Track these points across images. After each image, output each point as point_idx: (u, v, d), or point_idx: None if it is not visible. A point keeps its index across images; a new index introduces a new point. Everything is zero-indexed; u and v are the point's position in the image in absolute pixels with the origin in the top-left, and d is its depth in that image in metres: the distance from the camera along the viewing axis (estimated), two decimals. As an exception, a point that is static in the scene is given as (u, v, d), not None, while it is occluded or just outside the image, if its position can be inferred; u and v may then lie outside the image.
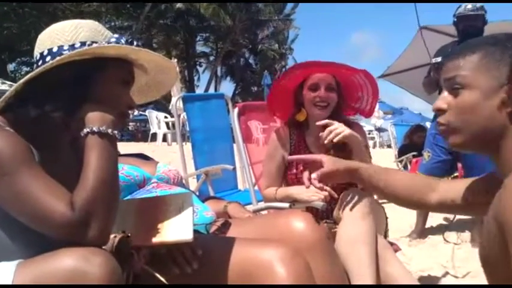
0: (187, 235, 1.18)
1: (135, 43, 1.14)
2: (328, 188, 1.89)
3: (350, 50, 68.55)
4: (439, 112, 1.02)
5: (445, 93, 1.01)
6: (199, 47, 29.98)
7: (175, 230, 1.20)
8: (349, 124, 2.02)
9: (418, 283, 1.84)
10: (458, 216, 3.66)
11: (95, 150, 1.01)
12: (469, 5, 3.45)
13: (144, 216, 1.26)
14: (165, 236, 1.19)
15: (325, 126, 1.94)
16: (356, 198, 1.74)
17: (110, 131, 1.04)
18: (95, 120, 1.04)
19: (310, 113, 2.04)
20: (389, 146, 10.86)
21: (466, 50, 0.99)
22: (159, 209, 1.26)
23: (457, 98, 0.98)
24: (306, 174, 1.50)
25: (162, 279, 1.16)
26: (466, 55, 0.98)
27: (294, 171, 2.06)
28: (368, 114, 2.20)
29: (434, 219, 4.20)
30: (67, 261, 0.90)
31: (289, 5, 29.55)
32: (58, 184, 0.98)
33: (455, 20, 3.49)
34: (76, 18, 1.20)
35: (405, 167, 6.39)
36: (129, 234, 1.11)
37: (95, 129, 1.02)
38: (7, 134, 1.00)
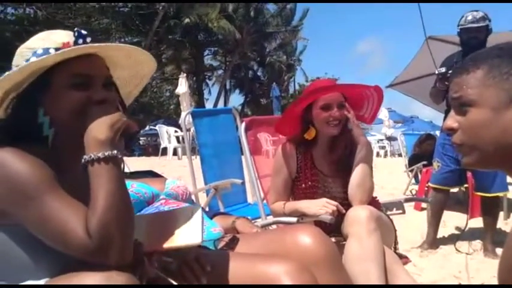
0: (196, 239, 1.21)
1: (88, 39, 1.10)
2: (335, 203, 1.91)
3: (356, 58, 68.53)
4: (450, 132, 0.99)
5: (454, 112, 0.97)
6: (208, 61, 30.26)
7: (185, 235, 1.22)
8: (356, 137, 2.04)
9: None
10: (470, 225, 3.65)
11: (99, 177, 1.01)
12: (470, 16, 3.40)
13: (155, 226, 1.30)
14: (176, 241, 1.22)
15: (333, 141, 2.04)
16: (362, 214, 1.75)
17: (108, 153, 1.02)
18: (90, 146, 1.02)
19: (322, 131, 2.05)
20: (400, 155, 10.80)
21: (470, 65, 0.94)
22: (169, 220, 1.29)
23: (466, 117, 0.94)
24: None
25: (175, 283, 1.18)
26: (470, 71, 0.93)
27: (303, 186, 2.07)
28: (370, 121, 2.21)
29: (446, 229, 4.18)
30: (90, 281, 0.92)
31: (297, 17, 29.72)
32: (80, 207, 0.99)
33: (458, 31, 3.49)
34: None
35: (416, 176, 6.36)
36: (141, 242, 1.14)
37: (93, 156, 1.01)
38: (31, 159, 1.01)
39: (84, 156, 1.01)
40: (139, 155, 13.89)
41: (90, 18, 17.35)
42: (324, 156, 2.08)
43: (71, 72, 1.09)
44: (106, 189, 0.99)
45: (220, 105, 26.41)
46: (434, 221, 3.70)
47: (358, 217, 1.75)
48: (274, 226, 2.13)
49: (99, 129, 1.04)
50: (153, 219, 1.34)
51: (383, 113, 17.35)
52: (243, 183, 3.15)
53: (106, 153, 1.01)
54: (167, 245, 1.21)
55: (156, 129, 13.59)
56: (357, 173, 1.96)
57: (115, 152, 1.03)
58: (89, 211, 0.97)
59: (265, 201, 2.68)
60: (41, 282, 0.99)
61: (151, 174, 1.86)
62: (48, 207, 0.97)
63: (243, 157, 3.14)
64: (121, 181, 1.03)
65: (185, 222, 1.26)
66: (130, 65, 1.23)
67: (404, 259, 1.99)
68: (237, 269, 1.27)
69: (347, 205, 1.95)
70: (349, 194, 1.98)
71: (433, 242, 3.69)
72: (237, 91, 31.16)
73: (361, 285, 1.59)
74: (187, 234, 1.22)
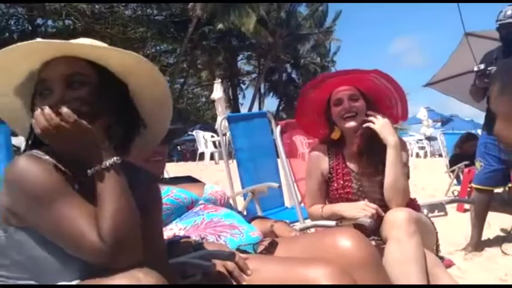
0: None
1: (38, 39, 1.07)
2: (375, 206, 1.89)
3: (391, 57, 67.33)
4: None
5: None
6: (242, 66, 30.46)
7: None
8: (383, 139, 2.00)
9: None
10: (516, 227, 3.53)
11: (103, 186, 1.03)
12: (509, 11, 3.28)
13: None
14: None
15: (359, 139, 2.01)
16: (401, 217, 1.72)
17: (106, 164, 1.03)
18: (89, 160, 1.04)
19: (342, 128, 2.04)
20: (440, 155, 10.53)
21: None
22: None
23: None
24: None
25: None
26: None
27: (335, 185, 2.06)
28: (402, 118, 2.17)
29: (491, 230, 4.05)
30: (121, 282, 0.94)
31: (330, 18, 29.52)
32: (92, 212, 1.01)
33: (497, 26, 3.38)
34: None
35: (457, 177, 6.19)
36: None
37: (93, 170, 1.03)
38: (45, 164, 1.04)
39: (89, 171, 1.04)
40: (177, 161, 14.11)
41: (126, 28, 17.80)
42: (354, 156, 2.06)
43: (37, 80, 1.11)
44: (111, 194, 1.02)
45: (255, 109, 26.53)
46: (478, 223, 3.59)
47: (397, 220, 1.73)
48: (312, 230, 2.12)
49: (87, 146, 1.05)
50: None
51: (421, 113, 16.99)
52: (280, 187, 3.15)
53: (104, 164, 1.03)
54: None
55: (193, 135, 13.78)
56: (389, 175, 1.94)
57: (110, 161, 1.04)
58: (98, 216, 0.99)
59: (302, 204, 2.67)
60: (73, 283, 1.01)
61: (190, 180, 1.90)
62: (61, 212, 0.99)
63: (278, 160, 3.15)
64: (124, 184, 1.05)
65: None
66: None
67: (447, 262, 1.94)
68: (277, 273, 1.27)
69: (385, 206, 1.93)
70: (385, 197, 1.95)
71: (478, 244, 3.58)
72: (271, 94, 31.21)
73: (400, 286, 1.57)
74: None
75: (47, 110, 1.02)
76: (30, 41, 1.07)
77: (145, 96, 1.20)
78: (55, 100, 1.06)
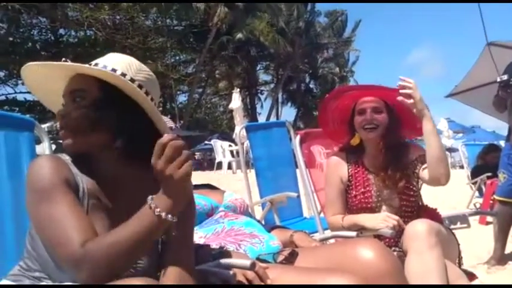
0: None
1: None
2: (396, 217, 1.87)
3: (411, 67, 66.73)
4: None
5: None
6: (260, 75, 30.57)
7: None
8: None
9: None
10: (541, 241, 3.43)
11: (137, 224, 1.01)
12: None
13: None
14: None
15: (379, 148, 2.02)
16: (422, 228, 1.69)
17: (163, 215, 1.00)
18: (163, 206, 1.02)
19: (361, 136, 2.07)
20: (461, 167, 10.35)
21: None
22: None
23: None
24: None
25: None
26: None
27: (354, 192, 2.05)
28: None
29: (515, 244, 3.95)
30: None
31: (349, 28, 29.54)
32: (86, 220, 1.03)
33: None
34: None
35: (479, 189, 6.07)
36: None
37: (157, 212, 1.00)
38: (56, 163, 1.09)
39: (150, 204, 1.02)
40: (195, 170, 14.12)
41: (146, 38, 18.04)
42: (373, 164, 2.06)
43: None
44: (132, 234, 1.00)
45: (273, 118, 26.54)
46: (502, 236, 3.52)
47: (418, 232, 1.69)
48: (332, 240, 2.10)
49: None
50: None
51: (442, 124, 16.77)
52: (299, 197, 3.13)
53: (162, 214, 1.00)
54: None
55: (211, 144, 13.84)
56: (431, 145, 1.89)
57: (169, 216, 1.01)
58: (106, 233, 1.01)
59: (321, 215, 2.64)
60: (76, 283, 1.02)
61: (209, 187, 1.90)
62: (55, 211, 1.02)
63: (297, 170, 3.13)
64: (152, 235, 1.03)
65: None
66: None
67: (470, 275, 1.90)
68: (297, 283, 1.26)
69: (404, 216, 1.92)
70: (430, 170, 1.90)
71: (501, 257, 3.50)
72: (289, 104, 31.24)
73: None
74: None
75: None
76: (45, 63, 1.19)
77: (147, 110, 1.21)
78: (63, 111, 1.16)
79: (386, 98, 2.03)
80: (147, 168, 1.03)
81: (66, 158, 1.14)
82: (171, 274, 1.07)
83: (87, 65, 1.17)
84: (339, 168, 2.10)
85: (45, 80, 1.23)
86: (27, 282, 1.11)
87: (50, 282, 1.09)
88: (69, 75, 1.20)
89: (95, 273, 0.96)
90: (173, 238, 1.13)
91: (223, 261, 1.32)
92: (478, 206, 5.93)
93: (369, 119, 2.00)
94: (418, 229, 1.70)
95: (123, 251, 0.98)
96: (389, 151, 2.01)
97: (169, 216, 1.01)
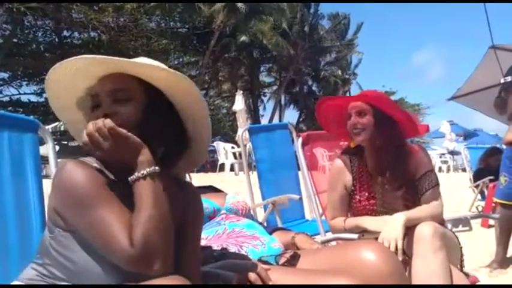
0: None
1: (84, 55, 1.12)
2: (395, 244, 1.86)
3: (414, 70, 66.66)
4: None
5: None
6: (263, 77, 30.56)
7: None
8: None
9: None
10: (543, 245, 3.43)
11: (139, 194, 1.05)
12: None
13: None
14: None
15: (375, 151, 2.02)
16: (427, 231, 1.69)
17: (143, 172, 1.06)
18: (131, 167, 1.07)
19: (354, 140, 2.06)
20: (463, 170, 10.33)
21: None
22: None
23: None
24: None
25: None
26: None
27: (358, 197, 2.05)
28: (422, 131, 2.14)
29: (517, 247, 3.94)
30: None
31: (351, 31, 29.50)
32: (126, 217, 1.03)
33: None
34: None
35: (482, 192, 6.06)
36: None
37: (132, 178, 1.06)
38: (90, 169, 1.09)
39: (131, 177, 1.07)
40: (197, 171, 14.15)
41: (150, 40, 18.09)
42: (374, 167, 2.05)
43: (91, 95, 1.17)
44: (146, 202, 1.04)
45: (275, 121, 26.54)
46: (504, 239, 3.51)
47: (423, 235, 1.69)
48: (333, 243, 2.10)
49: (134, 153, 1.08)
50: None
51: (444, 127, 16.76)
52: (301, 199, 3.14)
53: (144, 171, 1.06)
54: None
55: (213, 146, 13.85)
56: (424, 211, 1.92)
57: (149, 169, 1.07)
58: (133, 222, 1.02)
59: (323, 217, 2.65)
60: None
61: (212, 189, 1.91)
62: (100, 216, 1.02)
63: (299, 172, 3.13)
64: (159, 193, 1.07)
65: None
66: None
67: (472, 279, 1.89)
68: (299, 284, 1.26)
69: None
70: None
71: (503, 261, 3.49)
72: (292, 106, 31.22)
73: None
74: None
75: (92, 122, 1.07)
76: (82, 56, 1.12)
77: (188, 116, 1.22)
78: (102, 113, 1.11)
79: (371, 100, 2.02)
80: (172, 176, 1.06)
81: (94, 164, 1.13)
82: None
83: (147, 62, 1.15)
84: (343, 173, 2.09)
85: (72, 80, 1.19)
86: None
87: None
88: (99, 75, 1.17)
89: (159, 256, 0.99)
90: (184, 245, 1.15)
91: (225, 262, 1.33)
92: (480, 209, 5.92)
93: (354, 123, 2.01)
94: (423, 232, 1.70)
95: (155, 219, 1.02)
96: (384, 153, 1.99)
97: (148, 169, 1.06)
